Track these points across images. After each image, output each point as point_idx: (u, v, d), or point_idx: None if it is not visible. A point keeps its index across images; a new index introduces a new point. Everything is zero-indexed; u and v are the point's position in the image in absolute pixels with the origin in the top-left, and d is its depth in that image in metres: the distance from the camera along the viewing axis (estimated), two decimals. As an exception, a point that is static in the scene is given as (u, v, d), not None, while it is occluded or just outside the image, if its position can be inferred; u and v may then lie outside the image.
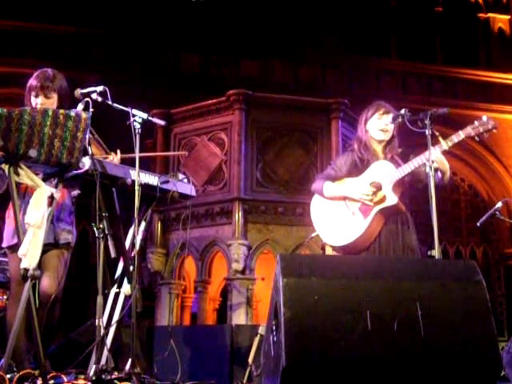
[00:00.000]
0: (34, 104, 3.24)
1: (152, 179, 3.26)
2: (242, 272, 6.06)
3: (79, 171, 2.86)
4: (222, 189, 6.37)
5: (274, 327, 2.52)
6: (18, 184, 2.85)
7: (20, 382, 2.64)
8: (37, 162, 2.72)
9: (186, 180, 3.52)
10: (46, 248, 3.00)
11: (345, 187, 3.47)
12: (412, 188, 3.51)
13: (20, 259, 2.70)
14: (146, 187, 3.17)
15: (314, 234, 4.02)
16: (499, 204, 5.14)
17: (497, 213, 5.05)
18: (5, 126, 2.60)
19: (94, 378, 2.69)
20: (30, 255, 2.67)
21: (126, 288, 3.17)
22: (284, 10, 11.15)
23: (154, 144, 6.93)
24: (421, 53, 11.76)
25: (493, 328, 2.35)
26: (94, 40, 10.37)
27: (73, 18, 10.19)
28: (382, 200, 3.37)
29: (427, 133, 3.14)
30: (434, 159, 3.16)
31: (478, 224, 5.15)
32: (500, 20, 12.45)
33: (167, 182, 3.33)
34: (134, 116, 3.20)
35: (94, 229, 3.01)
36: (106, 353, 2.97)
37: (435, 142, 3.21)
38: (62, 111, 2.77)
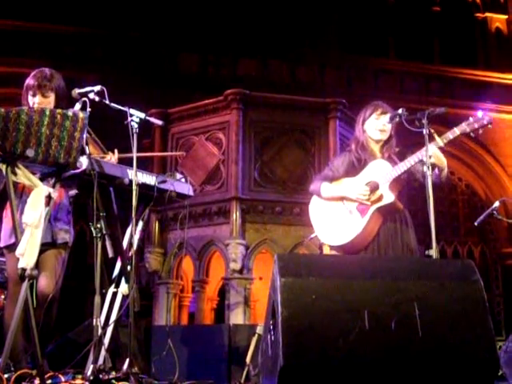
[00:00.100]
0: (31, 103, 3.23)
1: (149, 179, 3.27)
2: (240, 272, 6.06)
3: (77, 171, 2.86)
4: (219, 188, 6.37)
5: (271, 327, 2.52)
6: (16, 184, 2.85)
7: (17, 381, 2.64)
8: (34, 162, 2.72)
9: (183, 180, 3.52)
10: (44, 248, 2.99)
11: (342, 187, 3.47)
12: (409, 186, 3.51)
13: (17, 259, 2.70)
14: (143, 187, 3.18)
15: (313, 235, 4.03)
16: (497, 203, 5.14)
17: (494, 212, 5.05)
18: (2, 125, 2.59)
19: (91, 378, 2.69)
20: (27, 255, 2.67)
21: (124, 288, 3.17)
22: (282, 10, 11.14)
23: (151, 144, 6.92)
24: (418, 52, 11.77)
25: (490, 327, 2.35)
26: (93, 40, 10.36)
27: (72, 17, 10.18)
28: (379, 199, 3.38)
29: (425, 132, 3.14)
30: (431, 154, 3.16)
31: (476, 223, 5.14)
32: (497, 20, 12.46)
33: (165, 181, 3.33)
34: (131, 116, 3.20)
35: (92, 228, 3.02)
36: (103, 352, 2.97)
37: (431, 140, 3.22)
38: (59, 111, 2.77)
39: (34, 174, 2.81)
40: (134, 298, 3.04)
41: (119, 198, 3.19)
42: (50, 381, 2.69)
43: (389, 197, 3.36)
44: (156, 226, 6.55)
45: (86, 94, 3.13)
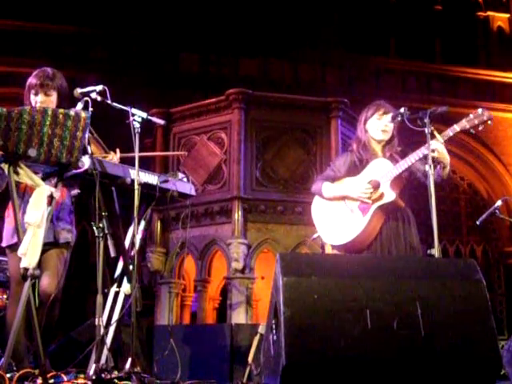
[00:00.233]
0: (33, 102, 3.23)
1: (151, 178, 3.27)
2: (242, 271, 6.06)
3: (79, 170, 2.86)
4: (221, 188, 6.36)
5: (273, 326, 2.52)
6: (18, 183, 2.85)
7: (20, 381, 2.64)
8: (36, 162, 2.72)
9: (185, 179, 3.52)
10: (46, 247, 2.99)
11: (343, 187, 3.47)
12: (411, 185, 3.51)
13: (20, 258, 2.70)
14: (145, 186, 3.17)
15: (315, 235, 4.02)
16: (499, 202, 5.14)
17: (496, 211, 5.05)
18: (4, 125, 2.60)
19: (93, 378, 2.69)
20: (29, 254, 2.67)
21: (126, 287, 3.17)
22: (283, 9, 11.14)
23: (153, 143, 6.92)
24: (420, 51, 11.76)
25: (493, 327, 2.35)
26: (94, 40, 10.37)
27: (72, 17, 10.19)
28: (381, 197, 3.38)
29: (427, 131, 3.14)
30: (434, 148, 3.15)
31: (478, 223, 5.14)
32: (499, 18, 12.45)
33: (167, 181, 3.33)
34: (133, 115, 3.20)
35: (94, 228, 3.02)
36: (105, 352, 2.97)
37: (433, 138, 3.21)
38: (61, 110, 2.77)
39: (36, 173, 2.81)
40: (136, 297, 3.04)
41: (121, 197, 3.19)
42: (52, 380, 2.69)
43: (390, 195, 3.36)
44: (158, 225, 6.55)
45: (88, 94, 3.13)
